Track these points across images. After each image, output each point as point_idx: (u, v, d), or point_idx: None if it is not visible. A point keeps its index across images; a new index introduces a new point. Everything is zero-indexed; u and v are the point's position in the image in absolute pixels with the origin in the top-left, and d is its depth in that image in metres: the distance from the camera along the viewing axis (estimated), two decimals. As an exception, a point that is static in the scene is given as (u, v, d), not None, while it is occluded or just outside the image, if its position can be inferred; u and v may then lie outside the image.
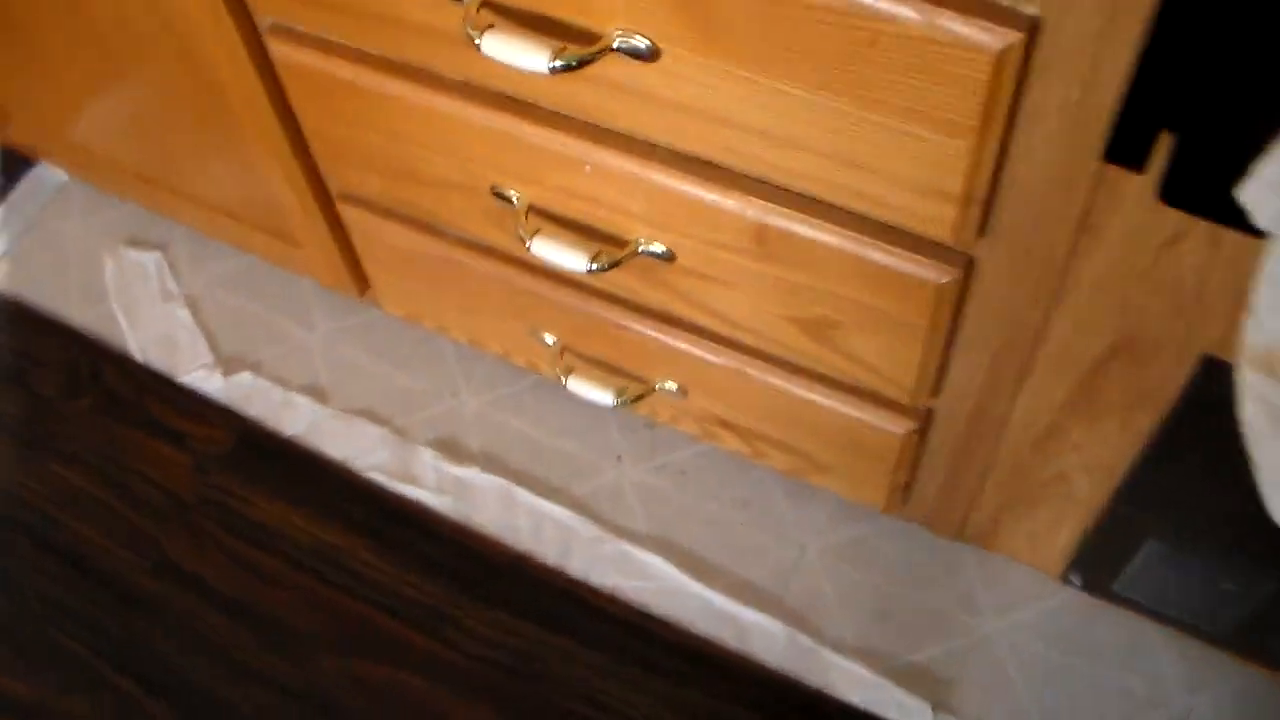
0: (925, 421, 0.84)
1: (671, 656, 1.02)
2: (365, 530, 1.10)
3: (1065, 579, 0.94)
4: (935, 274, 0.68)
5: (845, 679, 0.99)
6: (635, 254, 0.79)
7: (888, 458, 0.88)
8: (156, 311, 1.24)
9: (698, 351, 0.89)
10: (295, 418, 1.16)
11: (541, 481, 1.11)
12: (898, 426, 0.84)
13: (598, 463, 1.11)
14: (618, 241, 0.80)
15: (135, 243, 1.29)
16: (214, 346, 1.21)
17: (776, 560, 1.05)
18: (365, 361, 1.20)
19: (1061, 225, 0.61)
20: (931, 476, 0.91)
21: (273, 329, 1.23)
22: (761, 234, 0.72)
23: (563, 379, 0.96)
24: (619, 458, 1.12)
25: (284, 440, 1.15)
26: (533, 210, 0.82)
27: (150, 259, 1.27)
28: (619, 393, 0.94)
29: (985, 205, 0.62)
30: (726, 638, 1.02)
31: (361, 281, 1.11)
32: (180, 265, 1.27)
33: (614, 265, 0.78)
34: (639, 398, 0.95)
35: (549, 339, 0.98)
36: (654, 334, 0.90)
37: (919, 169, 0.61)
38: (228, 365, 1.20)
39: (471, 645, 1.03)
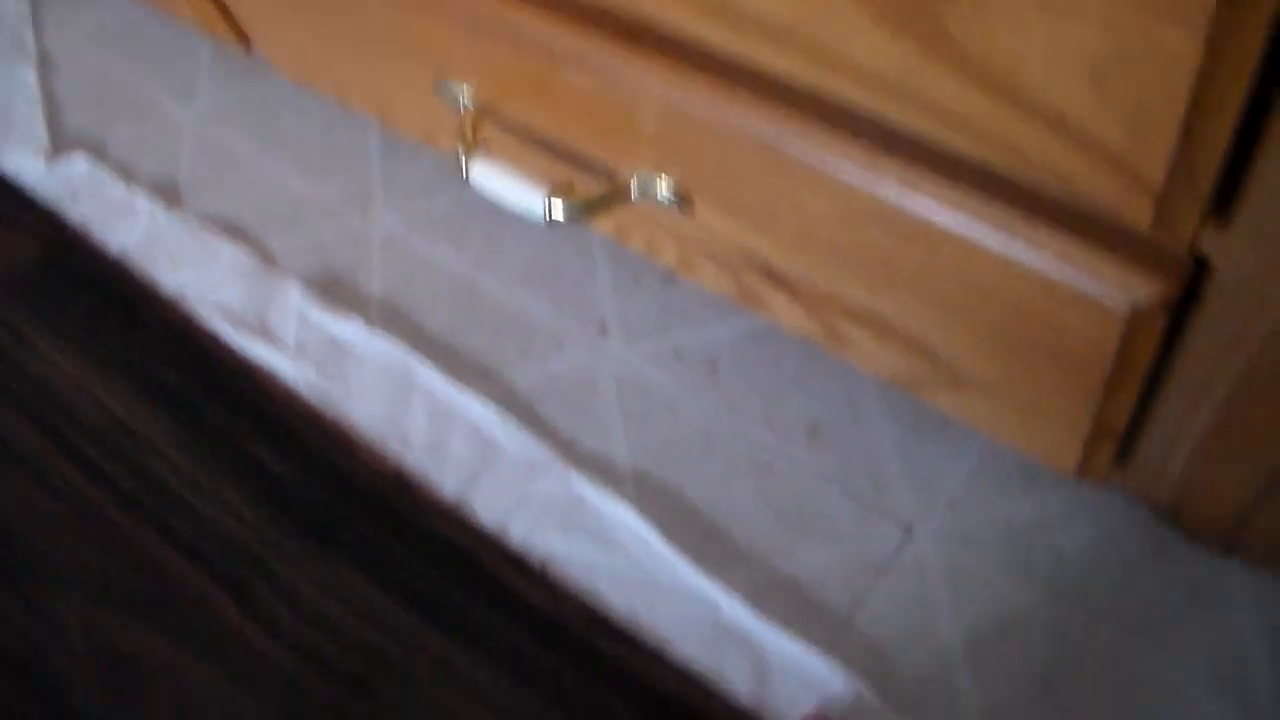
0: (1185, 285, 0.34)
1: (631, 701, 0.53)
2: (178, 408, 0.66)
3: None
4: None
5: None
6: None
7: (1092, 365, 0.39)
8: (-1, 70, 0.84)
9: (701, 102, 0.41)
10: (130, 226, 0.73)
11: (464, 357, 0.64)
12: (1118, 290, 0.35)
13: (567, 332, 0.64)
14: None
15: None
16: (54, 121, 0.80)
17: (854, 550, 0.55)
18: (250, 153, 0.76)
19: None
20: (1186, 419, 0.40)
21: (139, 102, 0.81)
22: None
23: (464, 166, 0.49)
24: (603, 327, 0.64)
25: (104, 259, 0.72)
26: None
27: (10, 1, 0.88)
28: (557, 190, 0.47)
29: None
30: (736, 681, 0.52)
31: (235, 22, 0.68)
32: (47, 12, 0.87)
33: None
34: (598, 204, 0.47)
35: (462, 96, 0.52)
36: (625, 63, 0.43)
37: None
38: (62, 146, 0.79)
39: (284, 616, 0.57)
